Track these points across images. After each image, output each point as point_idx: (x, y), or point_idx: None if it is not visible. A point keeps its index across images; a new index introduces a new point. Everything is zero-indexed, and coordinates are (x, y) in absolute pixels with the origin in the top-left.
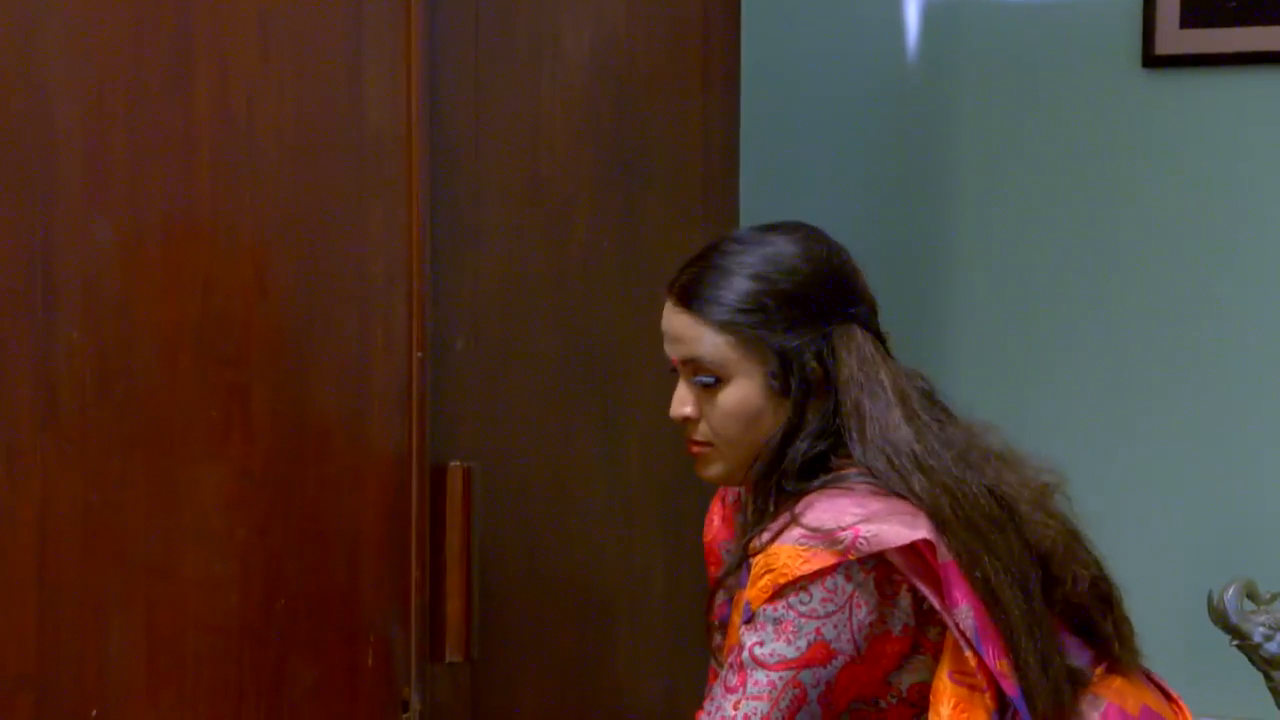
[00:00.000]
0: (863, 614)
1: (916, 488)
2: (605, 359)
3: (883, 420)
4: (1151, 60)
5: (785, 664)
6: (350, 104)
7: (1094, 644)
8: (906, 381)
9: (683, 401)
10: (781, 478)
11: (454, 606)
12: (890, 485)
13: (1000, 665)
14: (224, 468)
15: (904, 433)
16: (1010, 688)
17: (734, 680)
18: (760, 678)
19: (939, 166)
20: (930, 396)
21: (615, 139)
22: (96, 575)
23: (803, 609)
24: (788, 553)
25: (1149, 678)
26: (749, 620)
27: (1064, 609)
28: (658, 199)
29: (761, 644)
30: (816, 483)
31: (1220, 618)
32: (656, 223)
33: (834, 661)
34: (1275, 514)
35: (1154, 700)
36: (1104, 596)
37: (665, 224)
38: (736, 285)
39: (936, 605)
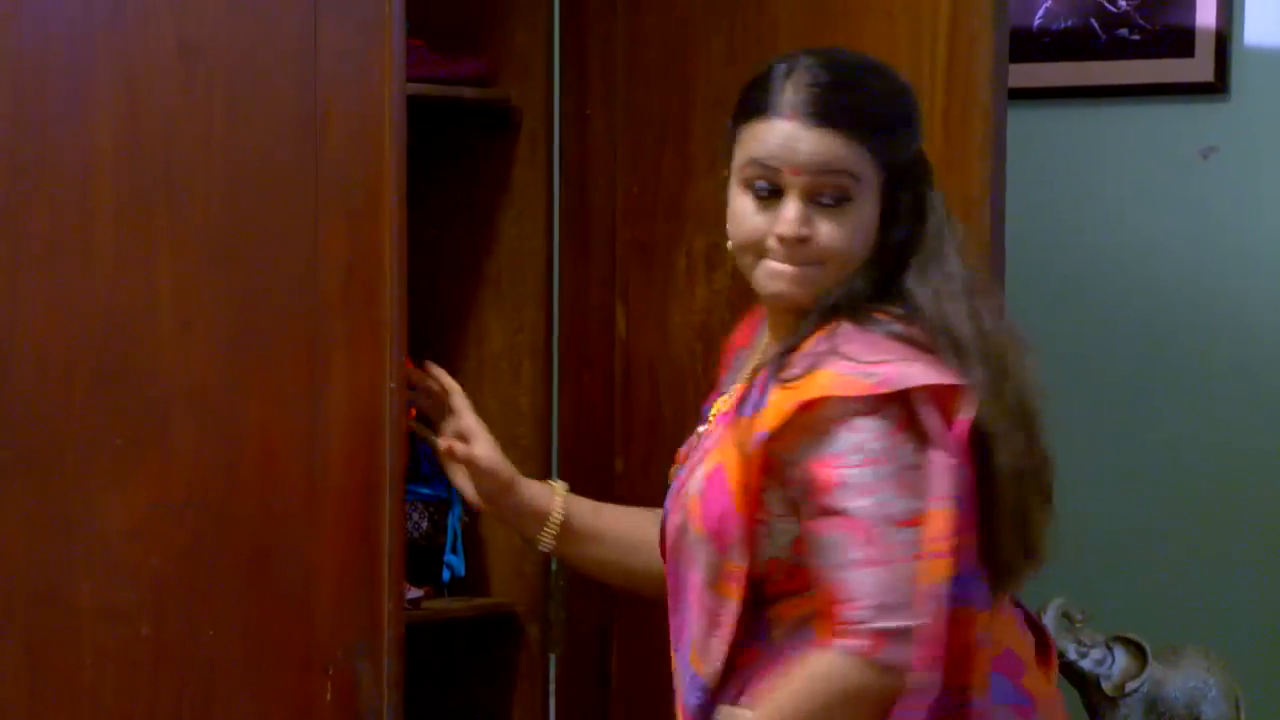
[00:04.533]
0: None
1: (956, 327)
2: None
3: (949, 256)
4: None
5: (920, 517)
6: (303, 124)
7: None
8: None
9: (802, 221)
10: (850, 301)
11: None
12: (931, 322)
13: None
14: (132, 496)
15: (959, 270)
16: (964, 563)
17: (863, 553)
18: (906, 536)
19: None
20: None
21: None
22: None
23: (908, 461)
24: (828, 377)
25: (1027, 616)
26: (805, 479)
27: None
28: None
29: (882, 504)
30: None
31: None
32: None
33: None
34: (1086, 541)
35: (1021, 643)
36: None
37: None
38: (867, 101)
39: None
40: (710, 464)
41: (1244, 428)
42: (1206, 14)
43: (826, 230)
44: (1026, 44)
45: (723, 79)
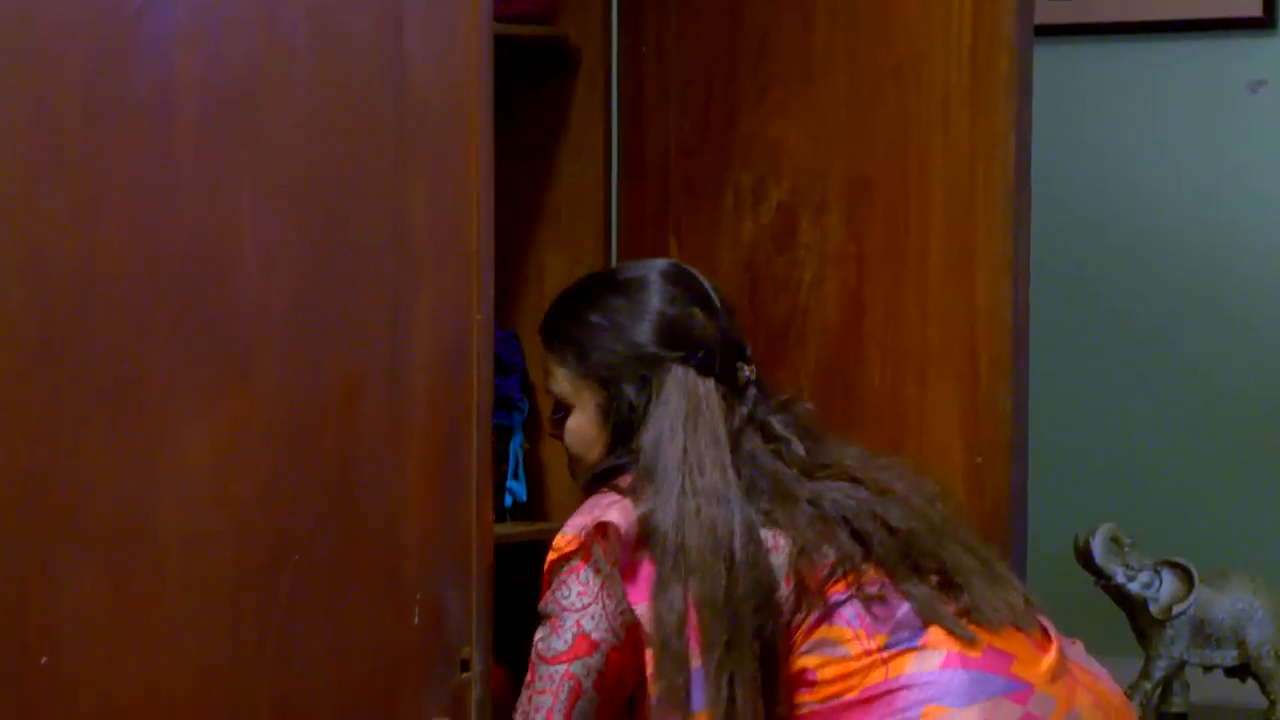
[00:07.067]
0: (613, 604)
1: (647, 497)
2: None
3: (667, 446)
4: None
5: (558, 657)
6: (387, 60)
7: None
8: (735, 419)
9: None
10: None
11: None
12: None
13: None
14: (214, 428)
15: (673, 454)
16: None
17: (529, 676)
18: (544, 672)
19: None
20: (803, 427)
21: None
22: (37, 536)
23: (564, 603)
24: (555, 540)
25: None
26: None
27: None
28: None
29: (543, 639)
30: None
31: (1086, 559)
32: None
33: (598, 651)
34: (1135, 466)
35: (1026, 649)
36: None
37: None
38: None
39: (623, 592)
40: None
41: None
42: None
43: None
44: None
45: (766, 19)
